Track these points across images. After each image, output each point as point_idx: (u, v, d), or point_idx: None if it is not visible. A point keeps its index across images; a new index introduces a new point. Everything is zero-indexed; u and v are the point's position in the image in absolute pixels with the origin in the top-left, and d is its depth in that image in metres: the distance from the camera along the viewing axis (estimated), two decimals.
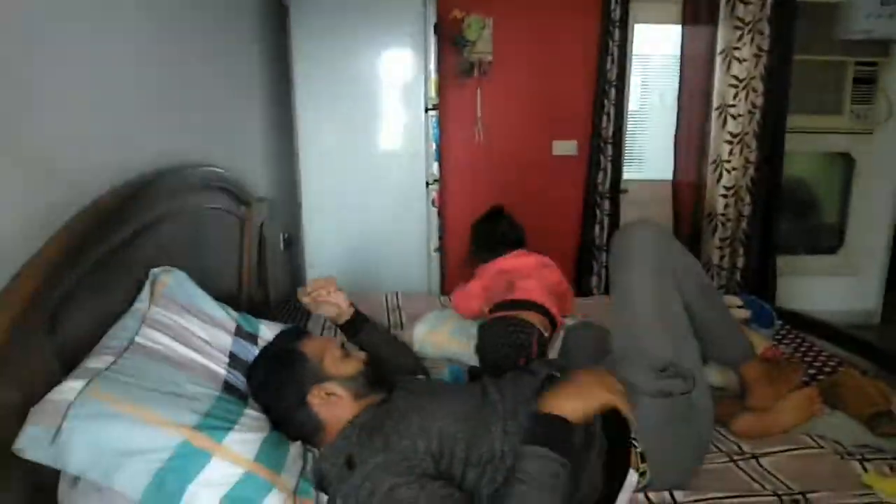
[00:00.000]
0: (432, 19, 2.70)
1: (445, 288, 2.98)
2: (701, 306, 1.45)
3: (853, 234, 3.93)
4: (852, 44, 3.53)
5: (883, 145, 3.76)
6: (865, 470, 1.32)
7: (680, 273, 1.41)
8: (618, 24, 3.35)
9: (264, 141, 2.74)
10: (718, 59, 3.48)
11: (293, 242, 3.01)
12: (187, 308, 1.27)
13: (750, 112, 3.52)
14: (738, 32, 3.41)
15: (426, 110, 2.76)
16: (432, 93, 2.76)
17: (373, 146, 2.81)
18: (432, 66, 2.74)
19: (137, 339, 1.10)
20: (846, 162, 3.86)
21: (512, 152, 3.51)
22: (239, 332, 1.33)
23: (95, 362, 1.01)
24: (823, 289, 3.90)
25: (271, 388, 1.21)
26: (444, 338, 1.88)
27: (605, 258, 3.58)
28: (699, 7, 3.44)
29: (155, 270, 1.31)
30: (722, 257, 3.68)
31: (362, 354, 1.34)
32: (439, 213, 2.91)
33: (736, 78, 3.46)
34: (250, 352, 1.32)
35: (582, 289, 3.63)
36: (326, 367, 1.24)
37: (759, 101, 3.50)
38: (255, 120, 2.65)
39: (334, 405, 1.21)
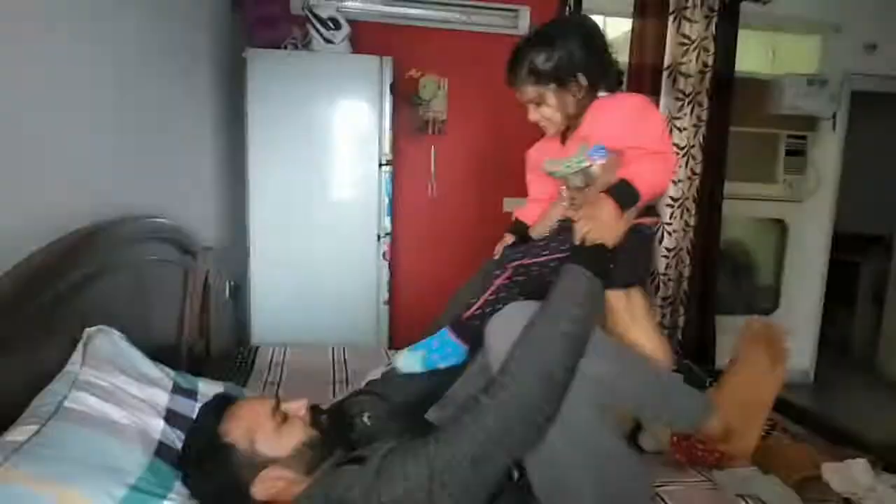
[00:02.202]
0: (389, 79, 2.77)
1: (394, 341, 2.97)
2: None
3: (788, 296, 4.11)
4: (784, 118, 3.78)
5: (813, 213, 3.99)
6: None
7: None
8: None
9: (216, 188, 2.73)
10: None
11: (240, 291, 2.97)
12: (121, 368, 1.23)
13: (690, 178, 3.68)
14: (679, 103, 3.60)
15: (380, 165, 2.81)
16: (387, 148, 2.81)
17: (326, 197, 2.82)
18: (387, 122, 2.80)
19: (66, 403, 1.05)
20: (780, 228, 4.06)
21: (463, 208, 3.57)
22: (176, 390, 1.29)
23: (17, 434, 0.95)
24: None
25: (209, 497, 1.06)
26: None
27: None
28: (643, 78, 3.63)
29: (89, 330, 1.27)
30: (664, 316, 3.78)
31: (302, 407, 1.13)
32: (390, 266, 2.92)
33: (677, 146, 3.63)
34: (190, 406, 1.28)
35: None
36: (261, 449, 1.04)
37: (699, 168, 3.67)
38: (207, 167, 2.64)
39: (285, 490, 1.04)
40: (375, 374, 1.93)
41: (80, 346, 1.23)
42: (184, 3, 2.32)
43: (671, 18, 3.59)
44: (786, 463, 1.55)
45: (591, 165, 1.34)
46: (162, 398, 1.24)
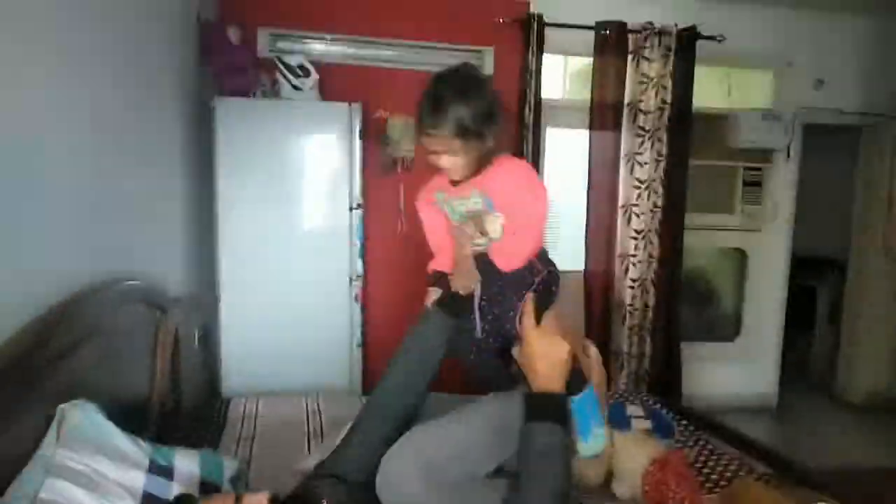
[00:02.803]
0: (358, 124, 2.81)
1: (366, 384, 2.97)
2: None
3: (749, 322, 4.24)
4: (741, 151, 3.93)
5: (770, 241, 4.14)
6: None
7: None
8: (532, 128, 3.58)
9: (185, 236, 2.72)
10: (622, 162, 3.77)
11: (209, 338, 2.95)
12: (97, 446, 1.23)
13: (652, 210, 3.79)
14: (640, 139, 3.72)
15: (351, 209, 2.83)
16: (357, 192, 2.84)
17: (297, 242, 2.83)
18: (357, 167, 2.83)
19: (42, 494, 1.05)
20: (740, 256, 4.20)
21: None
22: (152, 468, 1.29)
23: None
24: (724, 375, 4.14)
25: None
26: None
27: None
28: (605, 115, 3.74)
29: (62, 406, 1.27)
30: (630, 345, 3.86)
31: (263, 500, 1.14)
32: (362, 308, 2.94)
33: (638, 180, 3.74)
34: (165, 488, 1.28)
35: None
36: None
37: (660, 201, 3.78)
38: (176, 215, 2.63)
39: None
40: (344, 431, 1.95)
41: (53, 425, 1.23)
42: (153, 54, 2.32)
43: (630, 57, 3.72)
44: None
45: (486, 216, 1.43)
46: (139, 480, 1.23)
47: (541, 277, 1.42)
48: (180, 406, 2.26)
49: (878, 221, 4.22)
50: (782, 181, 4.07)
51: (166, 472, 1.31)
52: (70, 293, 1.49)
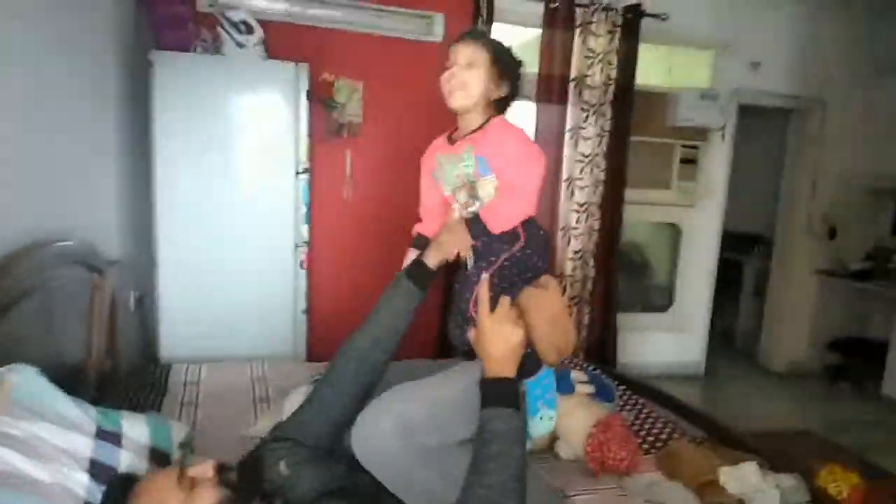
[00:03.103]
0: (305, 85, 2.73)
1: (311, 351, 2.94)
2: None
3: (681, 294, 4.41)
4: (678, 129, 4.04)
5: (703, 217, 4.31)
6: None
7: None
8: None
9: (121, 196, 2.59)
10: (567, 136, 3.82)
11: (144, 302, 2.84)
12: (39, 412, 1.17)
13: (594, 185, 3.87)
14: (585, 114, 3.77)
15: (297, 173, 2.76)
16: (303, 156, 2.77)
17: (239, 206, 2.73)
18: (304, 130, 2.75)
19: None
20: (675, 231, 4.35)
21: (380, 212, 3.57)
22: (100, 434, 1.24)
23: None
24: (657, 344, 4.32)
25: None
26: None
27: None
28: (551, 88, 3.76)
29: (0, 370, 1.20)
30: (571, 315, 3.96)
31: (209, 469, 1.07)
32: (307, 275, 2.89)
33: (582, 154, 3.81)
34: (113, 455, 1.22)
35: (446, 344, 3.74)
36: None
37: (602, 175, 3.86)
38: (111, 175, 2.50)
39: None
40: (297, 396, 1.92)
41: None
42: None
43: (577, 31, 3.75)
44: (687, 469, 1.69)
45: (475, 182, 1.45)
46: (85, 447, 1.18)
47: (510, 254, 1.42)
48: (118, 371, 2.19)
49: (802, 201, 4.45)
50: (717, 159, 4.23)
51: (114, 438, 1.26)
52: (1, 254, 1.40)
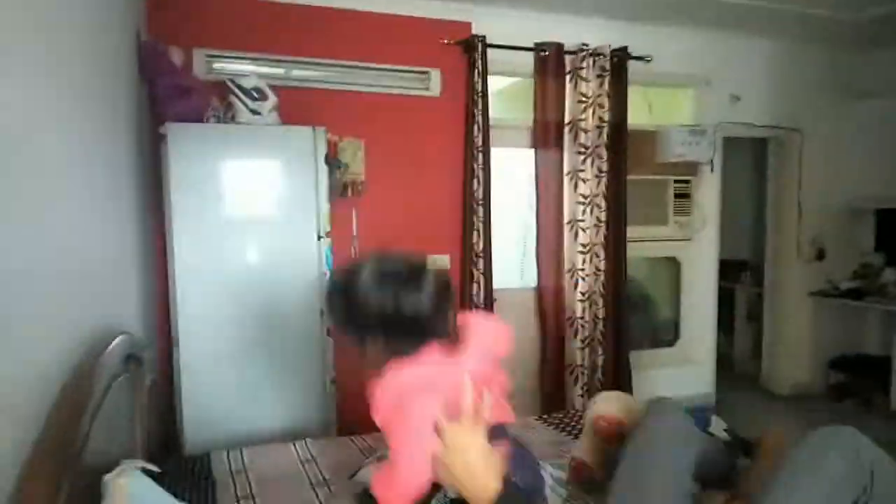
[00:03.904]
0: (323, 148, 2.67)
1: (341, 423, 2.81)
2: None
3: (686, 327, 4.44)
4: (670, 165, 4.13)
5: (700, 249, 4.38)
6: None
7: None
8: (481, 149, 3.58)
9: (139, 276, 2.46)
10: (566, 180, 3.86)
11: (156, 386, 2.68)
12: None
13: (596, 225, 3.90)
14: (582, 156, 3.82)
15: (319, 238, 2.68)
16: (324, 220, 2.70)
17: (261, 276, 2.62)
18: (323, 193, 2.69)
19: None
20: (674, 265, 4.40)
21: None
22: None
23: None
24: (669, 378, 4.31)
25: None
26: None
27: None
28: (548, 134, 3.81)
29: (107, 477, 1.08)
30: (583, 357, 3.93)
31: None
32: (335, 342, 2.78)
33: (582, 195, 3.84)
34: None
35: None
36: None
37: (603, 215, 3.90)
38: (129, 250, 2.37)
39: None
40: (365, 472, 1.82)
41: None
42: (100, 73, 2.08)
43: (568, 77, 3.83)
44: None
45: None
46: None
47: None
48: (162, 465, 2.03)
49: (789, 225, 4.57)
50: (708, 192, 4.33)
51: None
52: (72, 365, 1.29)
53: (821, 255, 4.61)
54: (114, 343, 1.57)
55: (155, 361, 2.56)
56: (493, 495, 1.04)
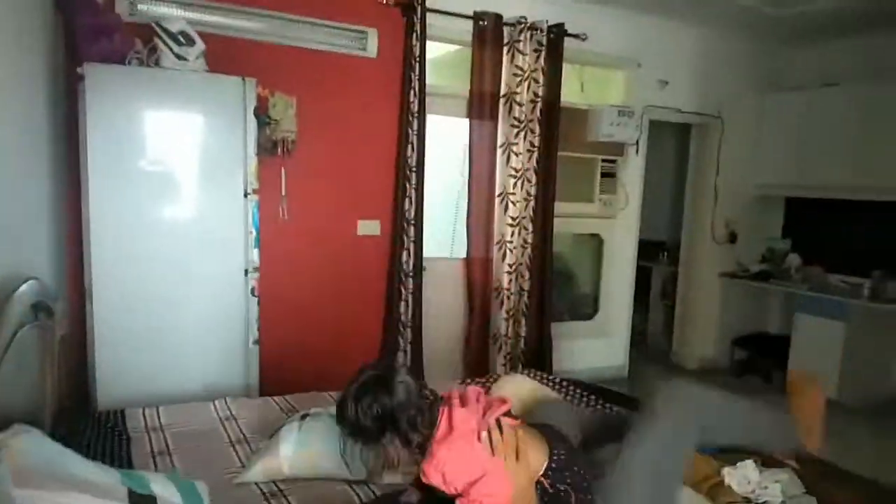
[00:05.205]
0: (252, 101, 2.58)
1: (263, 383, 2.76)
2: None
3: (604, 302, 4.61)
4: (599, 144, 4.23)
5: (622, 228, 4.53)
6: None
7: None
8: (416, 115, 3.55)
9: (51, 223, 2.31)
10: (499, 152, 3.89)
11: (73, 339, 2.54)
12: (61, 479, 1.00)
13: (526, 199, 3.96)
14: (515, 129, 3.86)
15: (245, 195, 2.60)
16: (252, 177, 2.61)
17: (181, 231, 2.52)
18: (251, 149, 2.60)
19: None
20: (598, 241, 4.54)
21: (318, 231, 3.45)
22: (133, 498, 1.07)
23: None
24: (585, 349, 4.47)
25: None
26: (315, 456, 1.72)
27: (410, 334, 3.67)
28: (483, 105, 3.82)
29: (1, 436, 1.02)
30: (507, 328, 4.02)
31: None
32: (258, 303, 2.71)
33: (514, 169, 3.89)
34: None
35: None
36: None
37: (533, 189, 3.96)
38: (41, 197, 2.22)
39: None
40: (289, 435, 1.77)
41: None
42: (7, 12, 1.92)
43: (505, 49, 3.84)
44: (696, 475, 1.75)
45: None
46: None
47: None
48: (74, 420, 1.94)
49: (705, 209, 4.80)
50: (632, 173, 4.47)
51: (150, 502, 1.10)
52: None
53: (733, 238, 4.87)
54: (21, 288, 1.47)
55: (67, 312, 2.42)
56: None
